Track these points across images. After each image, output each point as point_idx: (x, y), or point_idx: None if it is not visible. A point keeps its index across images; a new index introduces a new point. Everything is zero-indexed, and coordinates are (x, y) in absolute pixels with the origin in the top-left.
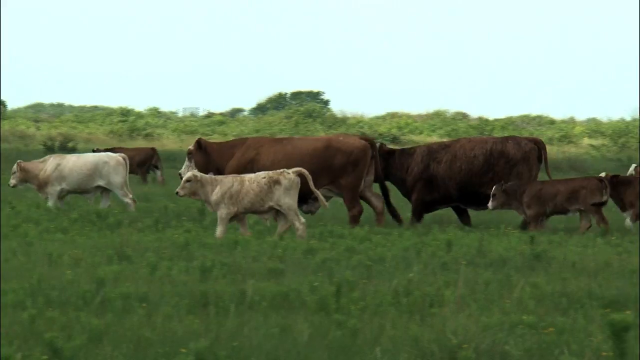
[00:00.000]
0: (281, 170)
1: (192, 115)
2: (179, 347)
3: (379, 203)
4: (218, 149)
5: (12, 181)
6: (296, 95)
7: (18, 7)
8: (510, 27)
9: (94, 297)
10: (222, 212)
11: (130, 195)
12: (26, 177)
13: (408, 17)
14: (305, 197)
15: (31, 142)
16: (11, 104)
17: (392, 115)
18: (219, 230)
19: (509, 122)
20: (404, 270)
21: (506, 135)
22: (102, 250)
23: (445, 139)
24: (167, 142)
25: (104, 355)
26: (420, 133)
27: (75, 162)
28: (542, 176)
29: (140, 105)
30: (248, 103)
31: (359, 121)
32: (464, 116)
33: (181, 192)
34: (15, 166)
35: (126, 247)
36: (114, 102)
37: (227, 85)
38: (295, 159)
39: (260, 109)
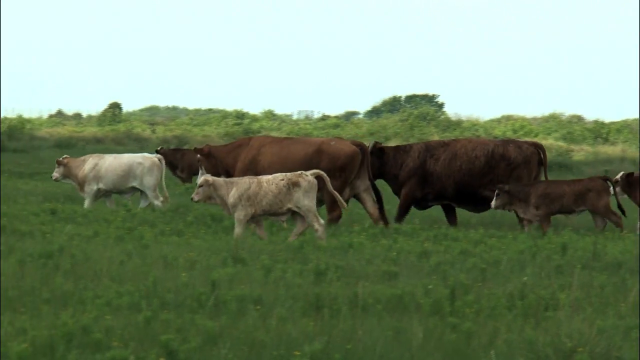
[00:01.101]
0: (299, 172)
1: (307, 118)
2: (293, 349)
3: (374, 210)
4: (224, 152)
5: (55, 174)
6: (411, 98)
7: (131, 11)
8: (628, 28)
9: (209, 300)
10: (240, 214)
11: (161, 198)
12: (67, 173)
13: (523, 20)
14: None
15: (147, 144)
16: (127, 107)
17: (507, 118)
18: (237, 232)
19: (624, 125)
20: (519, 274)
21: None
22: (217, 253)
23: (562, 141)
24: None
25: (218, 357)
26: (536, 136)
27: (112, 163)
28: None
29: (255, 108)
30: (363, 106)
31: (473, 124)
32: (579, 119)
33: (196, 198)
34: (59, 160)
35: (241, 249)
36: (229, 105)
37: (342, 89)
38: (288, 162)
39: (374, 112)
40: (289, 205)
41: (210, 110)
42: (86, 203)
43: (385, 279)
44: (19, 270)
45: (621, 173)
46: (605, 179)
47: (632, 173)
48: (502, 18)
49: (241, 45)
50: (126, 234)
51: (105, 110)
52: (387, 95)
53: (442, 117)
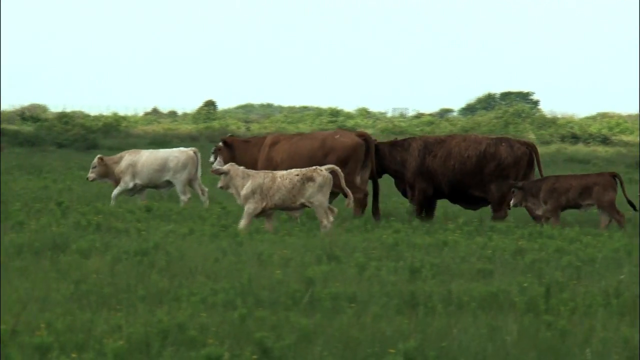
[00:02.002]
0: (314, 167)
1: (401, 115)
2: (387, 347)
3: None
4: (243, 148)
5: (91, 175)
6: (506, 95)
7: (226, 10)
8: None
9: (303, 297)
10: (250, 207)
11: (188, 195)
12: (105, 173)
13: (618, 17)
14: None
15: None
16: (222, 105)
17: (603, 116)
18: (243, 224)
19: None
20: (614, 272)
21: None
22: (311, 250)
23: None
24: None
25: (313, 355)
26: (631, 133)
27: (148, 158)
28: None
29: (349, 105)
30: (457, 103)
31: (568, 121)
32: None
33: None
34: (95, 160)
35: (335, 247)
36: (323, 102)
37: (437, 86)
38: (296, 158)
39: (469, 109)
40: (302, 200)
41: (304, 107)
42: (115, 192)
43: (480, 276)
44: (115, 268)
45: None
46: (614, 175)
47: None
48: (598, 15)
49: (336, 43)
50: (221, 231)
51: (200, 108)
52: (481, 92)
53: (537, 114)
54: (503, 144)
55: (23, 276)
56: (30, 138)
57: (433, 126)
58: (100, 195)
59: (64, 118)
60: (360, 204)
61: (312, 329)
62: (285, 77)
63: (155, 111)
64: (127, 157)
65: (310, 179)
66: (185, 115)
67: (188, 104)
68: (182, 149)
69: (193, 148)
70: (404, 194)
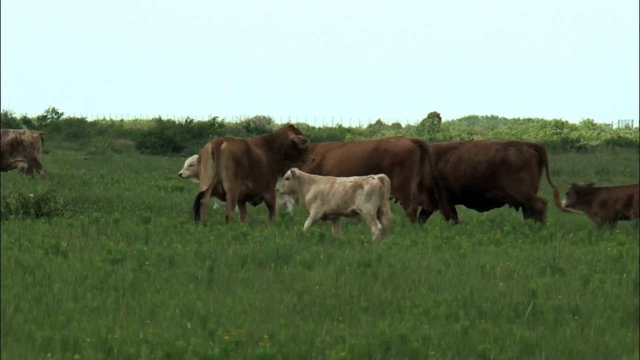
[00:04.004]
0: (368, 175)
1: (627, 127)
2: None
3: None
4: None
5: (185, 172)
6: None
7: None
8: None
9: (526, 309)
10: (313, 212)
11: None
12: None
13: None
14: None
15: None
16: (446, 116)
17: None
18: (305, 226)
19: None
20: None
21: None
22: (534, 263)
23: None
24: (601, 155)
25: None
26: None
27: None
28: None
29: (574, 117)
30: None
31: None
32: None
33: (282, 190)
34: (191, 159)
35: (559, 259)
36: (548, 114)
37: None
38: (349, 162)
39: None
40: (353, 207)
41: (529, 119)
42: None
43: None
44: (338, 279)
45: None
46: None
47: None
48: None
49: (565, 55)
50: (444, 243)
51: (424, 120)
52: None
53: None
54: (512, 147)
55: (247, 287)
56: None
57: None
58: None
59: None
60: (411, 219)
61: (535, 341)
62: (510, 89)
63: (379, 123)
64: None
65: (359, 186)
66: (409, 127)
67: (412, 116)
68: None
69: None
70: (420, 202)
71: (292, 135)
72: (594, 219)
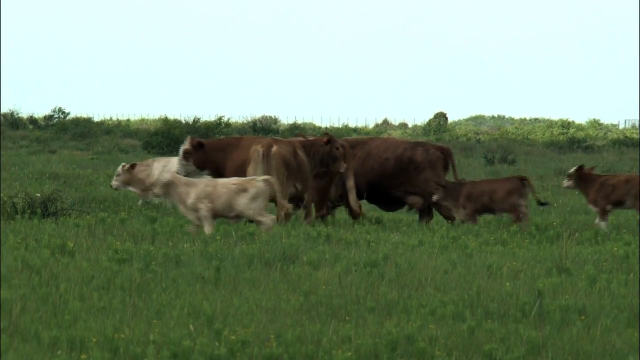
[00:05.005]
0: (252, 177)
1: (633, 127)
2: None
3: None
4: (213, 147)
5: (115, 183)
6: None
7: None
8: None
9: (533, 309)
10: (204, 212)
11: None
12: (129, 180)
13: None
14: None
15: (471, 153)
16: (453, 116)
17: None
18: (207, 230)
19: None
20: None
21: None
22: (541, 263)
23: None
24: (607, 155)
25: None
26: None
27: None
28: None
29: (581, 117)
30: None
31: None
32: None
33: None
34: (119, 168)
35: (565, 259)
36: (555, 114)
37: None
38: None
39: None
40: (237, 210)
41: (535, 119)
42: (141, 202)
43: None
44: (344, 279)
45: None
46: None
47: (582, 166)
48: None
49: (568, 55)
50: (450, 243)
51: (431, 120)
52: None
53: None
54: (419, 147)
55: (254, 287)
56: None
57: None
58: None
59: (296, 130)
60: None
61: (542, 341)
62: (517, 89)
63: (385, 122)
64: (157, 165)
65: (244, 189)
66: (415, 127)
67: (419, 115)
68: None
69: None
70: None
71: (328, 146)
72: (459, 214)
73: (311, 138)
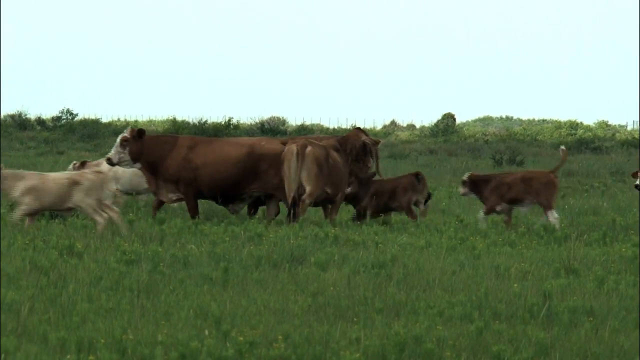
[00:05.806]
0: (82, 171)
1: None
2: None
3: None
4: (152, 142)
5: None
6: None
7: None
8: None
9: (541, 311)
10: (24, 207)
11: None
12: None
13: None
14: (231, 197)
15: (479, 154)
16: (461, 118)
17: None
18: (16, 217)
19: None
20: None
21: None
22: (549, 264)
23: None
24: (615, 156)
25: None
26: None
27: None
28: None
29: (589, 118)
30: None
31: None
32: None
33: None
34: (70, 166)
35: (573, 260)
36: (563, 115)
37: None
38: (219, 161)
39: None
40: (70, 204)
41: (543, 120)
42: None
43: None
44: (352, 280)
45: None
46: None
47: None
48: None
49: (578, 56)
50: (458, 244)
51: (439, 121)
52: None
53: None
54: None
55: (261, 288)
56: None
57: None
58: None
59: (303, 131)
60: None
61: (550, 342)
62: (525, 90)
63: (393, 124)
64: (106, 164)
65: (76, 182)
66: (423, 127)
67: (427, 116)
68: None
69: None
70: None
71: (363, 137)
72: (368, 210)
73: (323, 137)
